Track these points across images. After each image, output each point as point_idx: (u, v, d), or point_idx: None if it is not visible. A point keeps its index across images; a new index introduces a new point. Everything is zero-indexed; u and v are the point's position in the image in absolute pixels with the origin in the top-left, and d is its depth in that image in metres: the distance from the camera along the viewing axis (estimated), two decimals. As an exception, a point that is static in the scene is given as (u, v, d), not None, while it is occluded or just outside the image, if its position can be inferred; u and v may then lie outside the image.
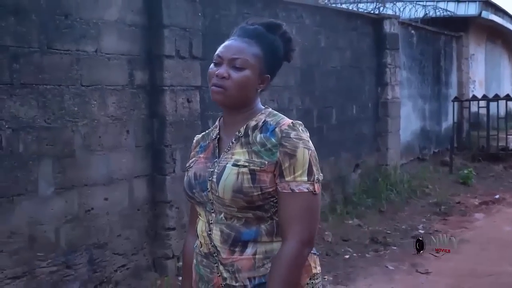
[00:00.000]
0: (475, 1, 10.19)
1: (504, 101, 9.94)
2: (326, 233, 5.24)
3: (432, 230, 5.72)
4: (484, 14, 10.20)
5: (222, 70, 1.46)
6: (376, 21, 7.12)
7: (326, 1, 8.27)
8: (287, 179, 1.42)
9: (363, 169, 6.86)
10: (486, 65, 12.27)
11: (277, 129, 1.46)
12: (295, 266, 1.42)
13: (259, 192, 1.42)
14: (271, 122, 1.49)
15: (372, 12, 7.35)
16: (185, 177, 1.58)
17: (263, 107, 1.56)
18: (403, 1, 9.31)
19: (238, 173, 1.43)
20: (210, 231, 1.49)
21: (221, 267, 1.48)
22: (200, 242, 1.54)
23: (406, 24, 8.18)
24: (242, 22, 1.58)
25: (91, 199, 3.59)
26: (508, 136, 9.44)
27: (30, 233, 3.24)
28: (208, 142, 1.59)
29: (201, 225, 1.53)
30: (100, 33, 3.63)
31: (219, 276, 1.48)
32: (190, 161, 1.61)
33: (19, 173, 3.18)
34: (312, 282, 1.50)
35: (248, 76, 1.47)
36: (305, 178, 1.43)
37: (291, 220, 1.42)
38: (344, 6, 8.14)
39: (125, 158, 3.82)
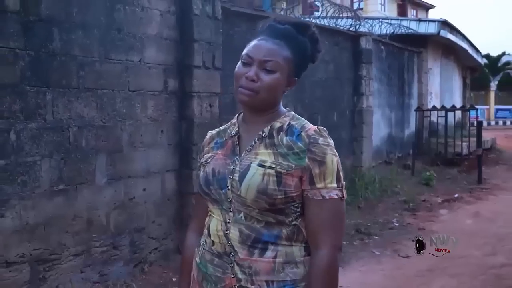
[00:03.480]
0: (435, 21, 11.30)
1: (460, 111, 11.00)
2: (317, 224, 5.94)
3: (405, 223, 6.54)
4: (442, 32, 11.30)
5: (252, 72, 1.41)
6: (354, 38, 7.94)
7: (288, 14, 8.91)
8: (318, 186, 1.40)
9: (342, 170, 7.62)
10: (441, 78, 13.43)
11: (303, 134, 1.44)
12: (335, 272, 1.41)
13: (283, 196, 1.39)
14: (296, 126, 1.47)
15: (350, 29, 8.16)
16: (201, 173, 1.52)
17: (285, 109, 1.53)
18: (373, 19, 10.23)
19: (264, 174, 1.39)
20: (227, 230, 1.44)
21: (236, 268, 1.42)
22: (213, 241, 1.47)
23: (377, 41, 9.06)
24: (253, 34, 1.55)
25: (133, 189, 4.13)
26: (462, 143, 10.51)
27: (88, 217, 3.76)
28: (226, 139, 1.54)
29: (215, 224, 1.48)
30: (143, 45, 4.19)
31: (233, 277, 1.42)
32: (206, 156, 1.55)
33: (82, 165, 3.70)
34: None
35: (279, 79, 1.43)
36: (335, 185, 1.41)
37: (323, 227, 1.40)
38: (318, 20, 8.91)
39: (160, 154, 4.38)
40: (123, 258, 4.05)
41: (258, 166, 1.40)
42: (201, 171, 1.52)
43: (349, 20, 8.73)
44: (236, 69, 1.45)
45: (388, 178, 8.64)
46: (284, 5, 12.30)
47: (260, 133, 1.47)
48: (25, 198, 3.30)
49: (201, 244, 1.52)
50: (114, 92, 3.94)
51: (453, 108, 10.48)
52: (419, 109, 10.81)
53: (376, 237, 5.88)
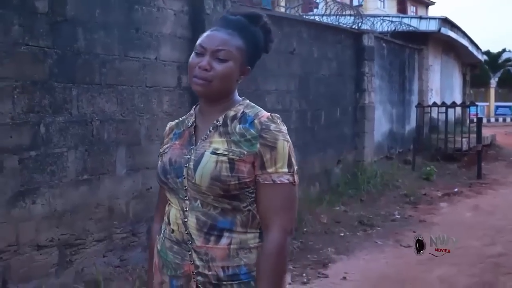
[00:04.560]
0: (435, 18, 11.53)
1: (460, 107, 11.22)
2: (322, 216, 6.18)
3: (406, 215, 6.79)
4: (443, 30, 11.53)
5: (205, 62, 1.45)
6: (356, 35, 8.16)
7: (293, 11, 9.08)
8: (268, 170, 1.44)
9: (344, 164, 7.87)
10: (441, 75, 13.66)
11: (256, 121, 1.47)
12: (283, 255, 1.45)
13: (236, 182, 1.42)
14: (249, 114, 1.50)
15: (352, 26, 8.38)
16: (159, 163, 1.57)
17: (241, 98, 1.56)
18: (374, 17, 10.45)
19: (217, 161, 1.43)
20: (185, 218, 1.47)
21: (194, 255, 1.46)
22: (173, 229, 1.51)
23: (379, 38, 9.28)
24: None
25: (150, 180, 4.36)
26: (462, 139, 10.76)
27: (109, 205, 4.00)
28: (183, 130, 1.58)
29: (174, 213, 1.51)
30: (159, 43, 4.42)
31: (191, 263, 1.47)
32: (165, 147, 1.60)
33: (103, 156, 3.94)
34: None
35: (232, 68, 1.46)
36: (286, 170, 1.45)
37: (273, 211, 1.44)
38: (321, 18, 9.14)
39: (174, 147, 4.60)
40: (141, 244, 4.28)
41: (211, 154, 1.44)
42: (160, 161, 1.57)
43: (351, 17, 8.95)
44: (190, 59, 1.49)
45: (389, 173, 8.88)
46: (282, 2, 12.48)
47: (215, 122, 1.51)
48: (54, 186, 3.54)
49: (162, 231, 1.57)
50: (133, 88, 4.17)
51: (453, 105, 10.71)
52: (420, 105, 11.04)
53: (379, 228, 6.12)
